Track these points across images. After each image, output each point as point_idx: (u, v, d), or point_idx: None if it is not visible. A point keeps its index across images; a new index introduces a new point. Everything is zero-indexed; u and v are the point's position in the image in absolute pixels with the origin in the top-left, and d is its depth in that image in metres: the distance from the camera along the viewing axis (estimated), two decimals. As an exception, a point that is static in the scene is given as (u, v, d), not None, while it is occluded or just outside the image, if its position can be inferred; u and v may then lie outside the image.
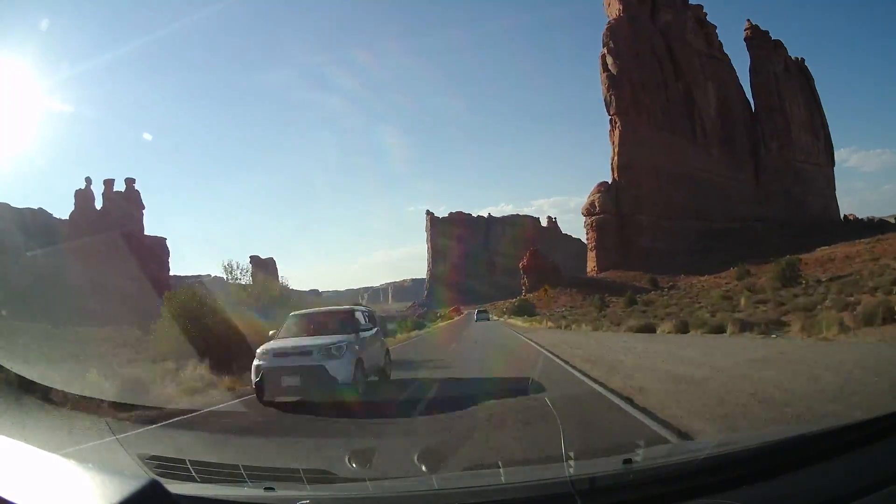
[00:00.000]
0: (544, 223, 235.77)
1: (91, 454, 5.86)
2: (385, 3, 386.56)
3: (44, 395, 8.66)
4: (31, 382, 8.83)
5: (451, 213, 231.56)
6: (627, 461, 2.15)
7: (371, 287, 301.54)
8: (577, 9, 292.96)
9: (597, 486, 1.93)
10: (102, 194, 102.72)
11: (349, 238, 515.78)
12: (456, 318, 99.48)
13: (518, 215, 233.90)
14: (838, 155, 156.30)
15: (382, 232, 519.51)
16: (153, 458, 3.27)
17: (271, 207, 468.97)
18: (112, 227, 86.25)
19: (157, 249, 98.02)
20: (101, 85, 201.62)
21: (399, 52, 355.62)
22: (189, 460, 3.00)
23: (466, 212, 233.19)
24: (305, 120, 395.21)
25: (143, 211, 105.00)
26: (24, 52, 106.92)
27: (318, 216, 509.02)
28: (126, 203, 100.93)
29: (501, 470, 2.75)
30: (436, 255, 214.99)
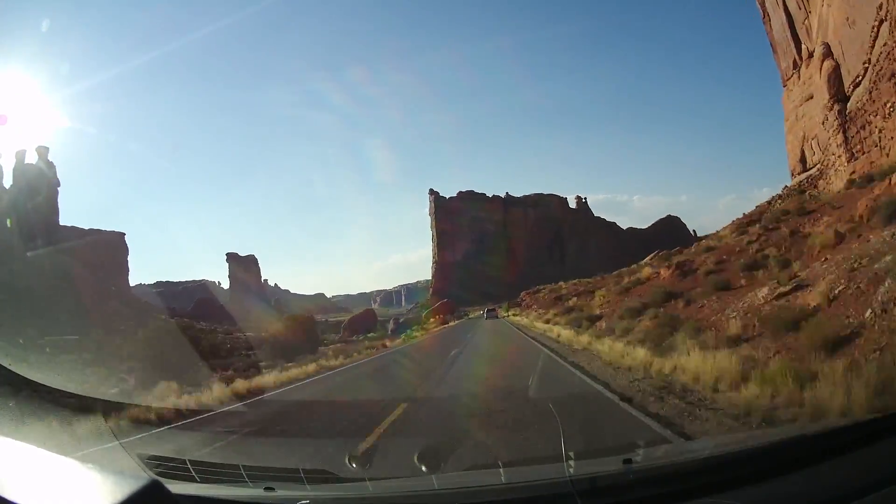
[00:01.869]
0: (573, 204, 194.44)
1: (91, 451, 5.86)
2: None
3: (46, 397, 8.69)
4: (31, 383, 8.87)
5: (460, 193, 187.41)
6: (627, 461, 2.14)
7: (383, 290, 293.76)
8: (583, 26, 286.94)
9: (597, 485, 1.93)
10: (13, 169, 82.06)
11: (363, 243, 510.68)
12: (423, 335, 46.34)
13: (542, 194, 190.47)
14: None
15: (398, 235, 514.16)
16: (154, 457, 3.28)
17: (277, 215, 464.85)
18: (21, 209, 72.50)
19: (103, 246, 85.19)
20: (103, 99, 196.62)
21: (396, 67, 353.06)
22: (189, 460, 3.01)
23: (479, 191, 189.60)
24: (319, 130, 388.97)
25: (59, 188, 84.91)
26: (24, 54, 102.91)
27: (329, 223, 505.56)
28: (36, 179, 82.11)
29: (501, 470, 2.73)
30: (442, 244, 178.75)
